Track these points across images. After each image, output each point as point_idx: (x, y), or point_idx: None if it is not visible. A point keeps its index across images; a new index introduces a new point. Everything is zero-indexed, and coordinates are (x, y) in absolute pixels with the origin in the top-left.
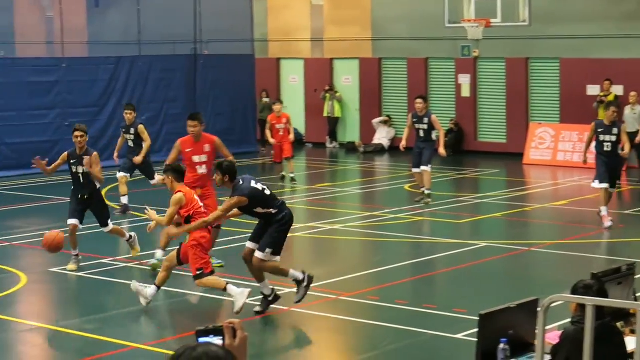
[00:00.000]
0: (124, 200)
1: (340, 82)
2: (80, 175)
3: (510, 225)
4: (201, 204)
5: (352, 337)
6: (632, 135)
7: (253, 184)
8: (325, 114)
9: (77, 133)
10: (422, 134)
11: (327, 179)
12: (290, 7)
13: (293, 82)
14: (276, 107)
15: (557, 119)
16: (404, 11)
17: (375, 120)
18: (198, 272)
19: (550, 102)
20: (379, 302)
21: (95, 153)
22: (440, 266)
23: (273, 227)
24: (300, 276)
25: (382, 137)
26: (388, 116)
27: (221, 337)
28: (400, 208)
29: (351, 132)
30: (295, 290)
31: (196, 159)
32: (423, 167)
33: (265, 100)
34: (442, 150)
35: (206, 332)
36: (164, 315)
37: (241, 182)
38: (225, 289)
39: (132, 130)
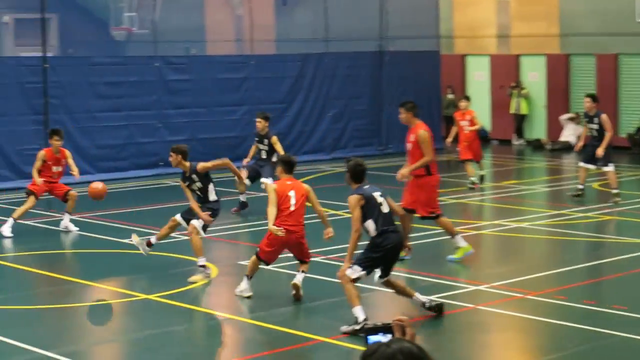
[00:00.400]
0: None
1: (527, 78)
2: None
3: None
4: None
5: (538, 336)
6: None
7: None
8: (511, 111)
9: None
10: (594, 133)
11: (514, 176)
12: (476, 3)
13: (479, 78)
14: (462, 103)
15: None
16: (593, 6)
17: (563, 117)
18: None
19: None
20: (566, 302)
21: None
22: (630, 267)
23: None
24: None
25: (569, 134)
26: (576, 113)
27: (390, 335)
28: (588, 207)
29: (538, 129)
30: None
31: None
32: (605, 168)
33: (450, 96)
34: (599, 150)
35: (375, 330)
36: (344, 310)
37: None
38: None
39: (266, 141)
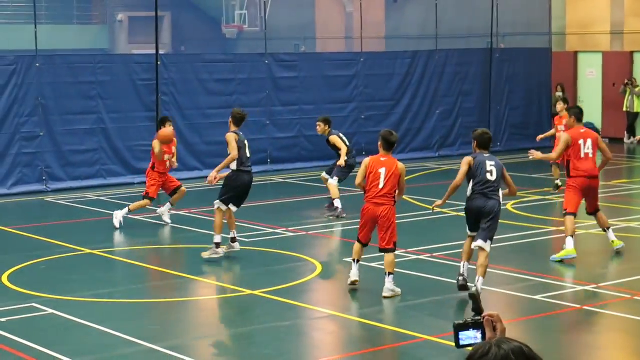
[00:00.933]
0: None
1: None
2: None
3: None
4: None
5: None
6: None
7: None
8: (624, 109)
9: None
10: None
11: (624, 175)
12: (589, 0)
13: (590, 75)
14: (558, 106)
15: None
16: None
17: None
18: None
19: None
20: None
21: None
22: None
23: None
24: None
25: None
26: None
27: (481, 331)
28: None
29: None
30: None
31: None
32: None
33: (559, 94)
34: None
35: (466, 326)
36: (448, 309)
37: None
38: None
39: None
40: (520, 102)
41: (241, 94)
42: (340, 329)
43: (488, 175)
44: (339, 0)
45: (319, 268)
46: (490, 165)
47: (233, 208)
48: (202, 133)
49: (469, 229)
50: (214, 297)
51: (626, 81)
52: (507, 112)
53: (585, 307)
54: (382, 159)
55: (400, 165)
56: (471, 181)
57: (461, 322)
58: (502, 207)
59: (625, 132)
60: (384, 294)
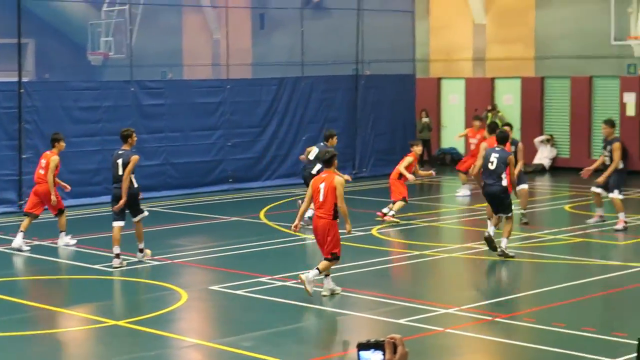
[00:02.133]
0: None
1: (502, 101)
2: None
3: None
4: None
5: (506, 359)
6: None
7: None
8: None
9: None
10: (607, 161)
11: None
12: (452, 27)
13: (453, 101)
14: (475, 123)
15: None
16: (568, 29)
17: (537, 139)
18: None
19: None
20: (535, 325)
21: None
22: (600, 288)
23: None
24: None
25: (543, 156)
26: (550, 135)
27: (382, 352)
28: (560, 229)
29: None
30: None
31: None
32: (610, 195)
33: (425, 120)
34: (600, 179)
35: (367, 346)
36: (314, 335)
37: None
38: None
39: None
40: (385, 128)
41: (107, 122)
42: (206, 358)
43: (490, 166)
44: (206, 27)
45: (185, 296)
46: (493, 156)
47: (120, 223)
48: (66, 161)
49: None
50: (77, 329)
51: (488, 107)
52: (372, 138)
53: (448, 330)
54: (323, 175)
55: (337, 179)
56: None
57: (364, 342)
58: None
59: None
60: (323, 293)
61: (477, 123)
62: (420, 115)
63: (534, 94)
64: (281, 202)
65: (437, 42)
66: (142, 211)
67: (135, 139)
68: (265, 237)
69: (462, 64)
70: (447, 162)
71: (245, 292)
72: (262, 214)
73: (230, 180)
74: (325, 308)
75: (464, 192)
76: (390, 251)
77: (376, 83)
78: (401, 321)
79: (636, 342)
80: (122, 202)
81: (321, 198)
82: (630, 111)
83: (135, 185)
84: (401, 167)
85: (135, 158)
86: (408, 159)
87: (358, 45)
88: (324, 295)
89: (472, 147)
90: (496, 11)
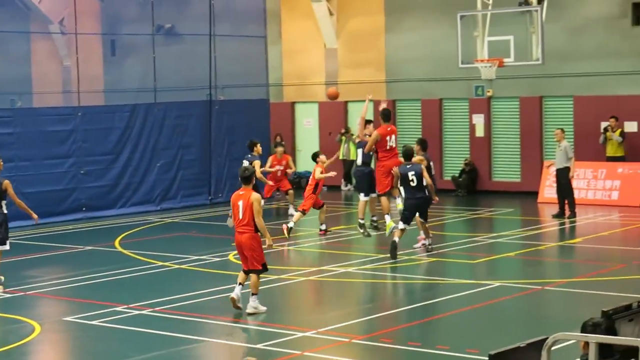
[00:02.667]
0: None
1: (355, 124)
2: None
3: (524, 264)
4: None
5: None
6: (561, 171)
7: None
8: (340, 157)
9: None
10: None
11: (342, 221)
12: (304, 51)
13: (308, 125)
14: (278, 149)
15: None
16: (417, 53)
17: None
18: None
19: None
20: (391, 345)
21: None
22: (454, 307)
23: None
24: None
25: None
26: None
27: None
28: (414, 249)
29: None
30: None
31: None
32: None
33: (281, 144)
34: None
35: None
36: None
37: None
38: None
39: None
40: (240, 153)
41: None
42: None
43: (412, 183)
44: (56, 54)
45: (37, 329)
46: (411, 174)
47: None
48: None
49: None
50: None
51: (343, 130)
52: (227, 163)
53: (306, 353)
54: (240, 192)
55: (254, 195)
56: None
57: None
58: None
59: (342, 180)
60: (247, 310)
61: (280, 149)
62: (275, 139)
63: None
64: (136, 229)
65: (290, 67)
66: (4, 242)
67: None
68: (121, 266)
69: (315, 88)
70: (302, 185)
71: (100, 322)
72: (117, 242)
73: (84, 208)
74: (182, 335)
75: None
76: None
77: (230, 108)
78: (259, 346)
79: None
80: None
81: (240, 215)
82: (480, 132)
83: (5, 211)
84: (317, 175)
85: (6, 183)
86: (318, 169)
87: (211, 70)
88: (249, 314)
89: (279, 173)
90: (347, 36)
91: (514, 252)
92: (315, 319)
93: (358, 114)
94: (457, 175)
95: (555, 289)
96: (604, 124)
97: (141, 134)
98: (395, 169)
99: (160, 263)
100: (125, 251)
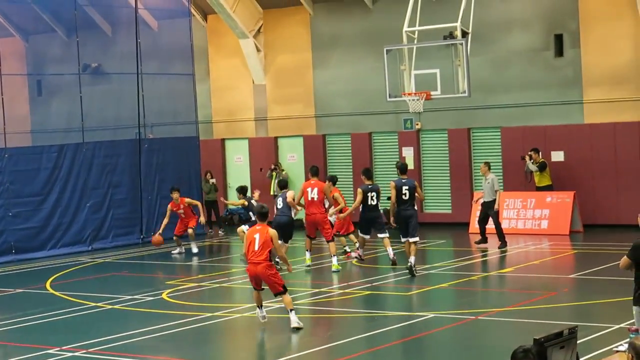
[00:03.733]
0: None
1: (286, 159)
2: None
3: (457, 295)
4: None
5: None
6: (488, 204)
7: None
8: (271, 193)
9: None
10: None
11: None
12: (233, 88)
13: (238, 161)
14: (174, 194)
15: (500, 187)
16: (346, 87)
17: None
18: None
19: (493, 171)
20: None
21: None
22: (390, 339)
23: None
24: None
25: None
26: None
27: None
28: (348, 283)
29: None
30: None
31: None
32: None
33: (212, 181)
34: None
35: None
36: None
37: None
38: None
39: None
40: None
41: None
42: None
43: (404, 197)
44: None
45: None
46: (405, 188)
47: None
48: None
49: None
50: None
51: (273, 165)
52: (158, 200)
53: None
54: (257, 227)
55: (271, 231)
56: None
57: None
58: None
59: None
60: (293, 325)
61: (175, 195)
62: (206, 176)
63: (316, 151)
64: (68, 270)
65: (219, 104)
66: None
67: None
68: (52, 308)
69: (245, 124)
70: (235, 222)
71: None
72: (48, 284)
73: (13, 250)
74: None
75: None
76: (181, 314)
77: (160, 146)
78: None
79: None
80: None
81: (256, 247)
82: (410, 164)
83: None
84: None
85: None
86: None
87: (139, 109)
88: (296, 328)
89: (183, 216)
90: (275, 72)
91: (447, 282)
92: (248, 356)
93: (288, 149)
94: (388, 207)
95: (489, 319)
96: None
97: (70, 174)
98: (392, 182)
99: (93, 304)
100: (56, 293)
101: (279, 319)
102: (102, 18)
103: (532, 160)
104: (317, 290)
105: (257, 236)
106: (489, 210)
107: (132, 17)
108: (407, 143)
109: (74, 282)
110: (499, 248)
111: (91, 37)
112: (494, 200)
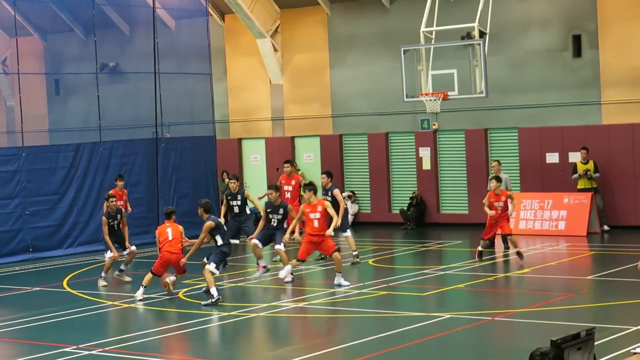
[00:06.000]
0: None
1: (302, 159)
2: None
3: (474, 296)
4: None
5: None
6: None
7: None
8: None
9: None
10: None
11: (291, 256)
12: (250, 88)
13: (255, 161)
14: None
15: (517, 188)
16: (363, 87)
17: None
18: None
19: (510, 171)
20: None
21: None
22: (406, 339)
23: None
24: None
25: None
26: (352, 191)
27: None
28: (364, 283)
29: None
30: None
31: None
32: (344, 234)
33: (227, 180)
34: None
35: None
36: None
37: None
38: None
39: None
40: (188, 190)
41: None
42: None
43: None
44: (0, 94)
45: None
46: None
47: None
48: None
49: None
50: None
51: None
52: (175, 200)
53: None
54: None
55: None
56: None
57: None
58: None
59: None
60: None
61: (119, 183)
62: (222, 176)
63: (333, 151)
64: (84, 269)
65: (236, 103)
66: None
67: None
68: (70, 306)
69: (262, 124)
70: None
71: None
72: (65, 283)
73: (31, 249)
74: None
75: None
76: (198, 313)
77: (177, 145)
78: None
79: None
80: None
81: (170, 237)
82: (426, 165)
83: None
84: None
85: None
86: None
87: (157, 108)
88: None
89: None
90: (292, 71)
91: (464, 283)
92: (270, 355)
93: (304, 149)
94: (405, 208)
95: (505, 320)
96: (549, 155)
97: (87, 173)
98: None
99: (110, 302)
100: (73, 291)
101: (295, 318)
102: (119, 17)
103: (588, 172)
104: (331, 290)
105: (169, 230)
106: None
107: (150, 17)
108: (424, 143)
109: (90, 280)
110: (504, 250)
111: (109, 37)
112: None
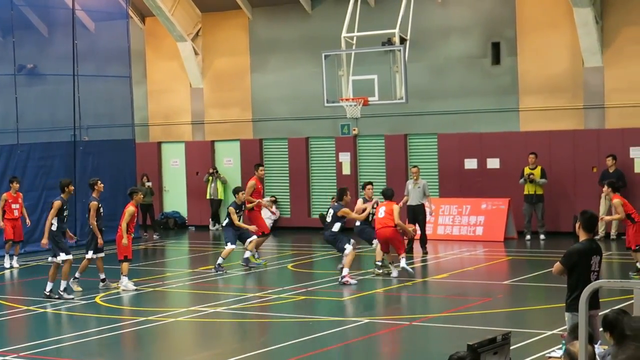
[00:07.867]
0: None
1: (222, 164)
2: None
3: (392, 301)
4: None
5: None
6: (417, 208)
7: None
8: (207, 197)
9: None
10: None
11: (211, 261)
12: (170, 91)
13: (174, 165)
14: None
15: (436, 194)
16: (284, 92)
17: (263, 201)
18: None
19: (429, 177)
20: None
21: None
22: (325, 344)
23: None
24: None
25: (266, 217)
26: (273, 196)
27: None
28: (283, 288)
29: None
30: None
31: None
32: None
33: (148, 184)
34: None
35: None
36: None
37: None
38: None
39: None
40: (106, 193)
41: None
42: None
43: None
44: None
45: None
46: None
47: None
48: None
49: None
50: None
51: (211, 170)
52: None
53: None
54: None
55: (394, 206)
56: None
57: None
58: None
59: (210, 219)
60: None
61: (15, 185)
62: (142, 180)
63: (253, 155)
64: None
65: (156, 107)
66: None
67: None
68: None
69: (182, 128)
70: (170, 225)
71: None
72: None
73: None
74: None
75: None
76: (116, 318)
77: (95, 149)
78: None
79: None
80: None
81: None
82: (346, 170)
83: None
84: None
85: None
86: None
87: (75, 111)
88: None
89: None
90: (212, 75)
91: (382, 288)
92: None
93: (224, 153)
94: (324, 213)
95: (423, 324)
96: (468, 161)
97: (4, 176)
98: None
99: (24, 307)
100: None
101: (213, 323)
102: (38, 19)
103: (531, 176)
104: (250, 295)
105: (382, 209)
106: (419, 215)
107: (69, 18)
108: (344, 148)
109: (1, 285)
110: (422, 255)
111: (27, 38)
112: (423, 205)
